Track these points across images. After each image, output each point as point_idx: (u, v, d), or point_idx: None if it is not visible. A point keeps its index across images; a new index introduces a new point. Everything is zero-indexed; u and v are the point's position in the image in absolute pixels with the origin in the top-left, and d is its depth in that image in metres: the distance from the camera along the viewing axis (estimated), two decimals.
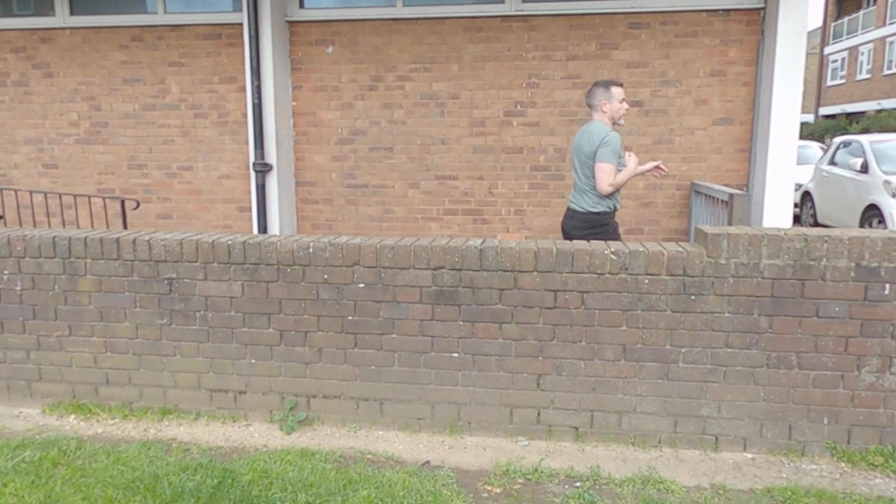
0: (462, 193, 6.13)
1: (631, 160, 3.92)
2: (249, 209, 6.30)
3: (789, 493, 2.65)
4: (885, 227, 8.50)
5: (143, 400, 3.41)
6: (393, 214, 6.26)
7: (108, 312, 3.35)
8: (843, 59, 30.27)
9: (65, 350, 3.42)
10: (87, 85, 6.42)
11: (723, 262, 2.89)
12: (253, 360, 3.29)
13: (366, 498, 2.58)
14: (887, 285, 2.82)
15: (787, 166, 5.42)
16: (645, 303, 2.96)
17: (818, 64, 32.04)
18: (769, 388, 2.95)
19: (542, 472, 2.83)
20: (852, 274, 2.83)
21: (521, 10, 5.78)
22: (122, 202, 5.77)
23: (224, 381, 3.33)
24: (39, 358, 3.45)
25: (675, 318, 2.95)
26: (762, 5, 5.52)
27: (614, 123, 4.01)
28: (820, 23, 32.52)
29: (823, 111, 30.96)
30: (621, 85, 4.00)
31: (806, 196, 11.38)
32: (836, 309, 2.86)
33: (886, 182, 8.74)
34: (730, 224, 4.30)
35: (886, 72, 26.36)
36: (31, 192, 5.95)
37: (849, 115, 27.71)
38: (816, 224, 10.74)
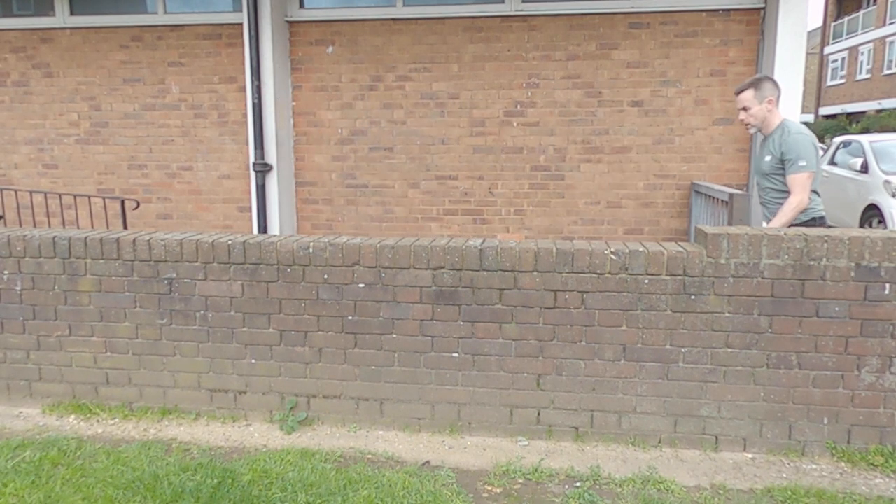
0: (462, 193, 6.13)
1: None
2: (249, 209, 6.30)
3: (789, 493, 2.65)
4: (885, 227, 8.50)
5: (143, 400, 3.41)
6: (393, 214, 6.26)
7: (108, 312, 3.35)
8: (843, 59, 30.28)
9: (65, 350, 3.42)
10: (87, 85, 6.41)
11: (723, 262, 2.89)
12: (253, 360, 3.29)
13: (366, 498, 2.58)
14: (887, 285, 2.82)
15: None
16: (645, 303, 2.96)
17: (818, 64, 32.04)
18: (769, 388, 2.95)
19: (542, 472, 2.83)
20: (852, 274, 2.83)
21: (521, 10, 5.78)
22: (122, 202, 5.77)
23: (224, 381, 3.33)
24: (39, 358, 3.45)
25: (675, 318, 2.95)
26: (762, 5, 5.52)
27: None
28: (820, 23, 32.52)
29: (823, 111, 30.96)
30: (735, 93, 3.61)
31: None
32: (836, 309, 2.86)
33: (886, 182, 8.74)
34: (730, 224, 4.30)
35: (886, 72, 26.37)
36: (31, 192, 5.95)
37: (849, 115, 27.71)
38: None
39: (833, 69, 31.32)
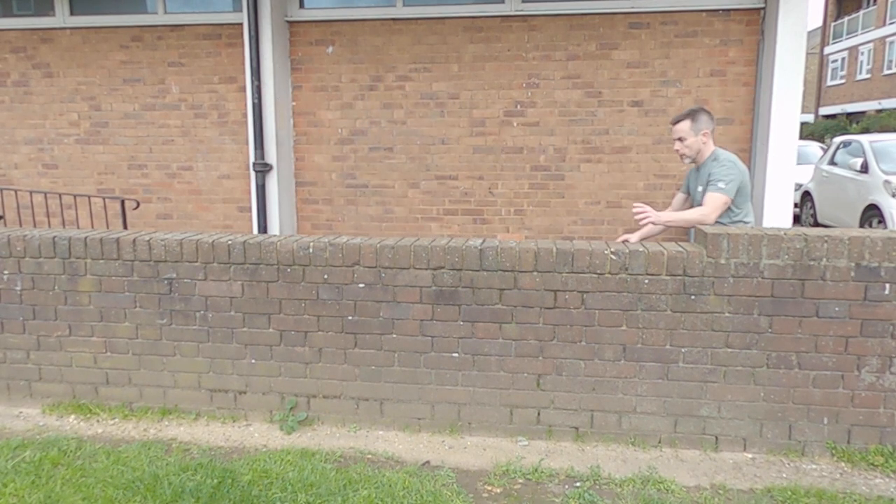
0: (462, 193, 6.12)
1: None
2: (249, 209, 6.29)
3: (789, 493, 2.65)
4: (886, 227, 8.50)
5: (143, 400, 3.41)
6: (393, 214, 6.25)
7: (108, 312, 3.35)
8: (843, 59, 30.27)
9: (65, 350, 3.42)
10: (87, 85, 6.41)
11: (723, 262, 2.89)
12: (253, 360, 3.29)
13: (366, 498, 2.58)
14: (887, 285, 2.82)
15: (787, 166, 5.41)
16: (645, 303, 2.96)
17: (818, 64, 32.04)
18: (769, 388, 2.95)
19: (542, 472, 2.83)
20: (852, 274, 2.83)
21: (521, 10, 5.78)
22: (122, 202, 5.77)
23: (224, 381, 3.33)
24: (39, 358, 3.45)
25: (675, 318, 2.95)
26: (762, 5, 5.52)
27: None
28: (820, 23, 32.52)
29: (823, 111, 30.96)
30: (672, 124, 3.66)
31: (806, 196, 11.38)
32: (836, 309, 2.86)
33: (886, 182, 8.73)
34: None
35: (886, 72, 26.36)
36: (31, 192, 5.95)
37: (849, 115, 27.71)
38: (816, 224, 10.74)
39: (833, 69, 31.31)
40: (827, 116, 30.02)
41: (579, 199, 5.99)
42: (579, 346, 3.03)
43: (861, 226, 9.03)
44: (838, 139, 11.08)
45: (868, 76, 27.78)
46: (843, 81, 30.07)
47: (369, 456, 2.99)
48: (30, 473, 2.77)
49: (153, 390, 3.39)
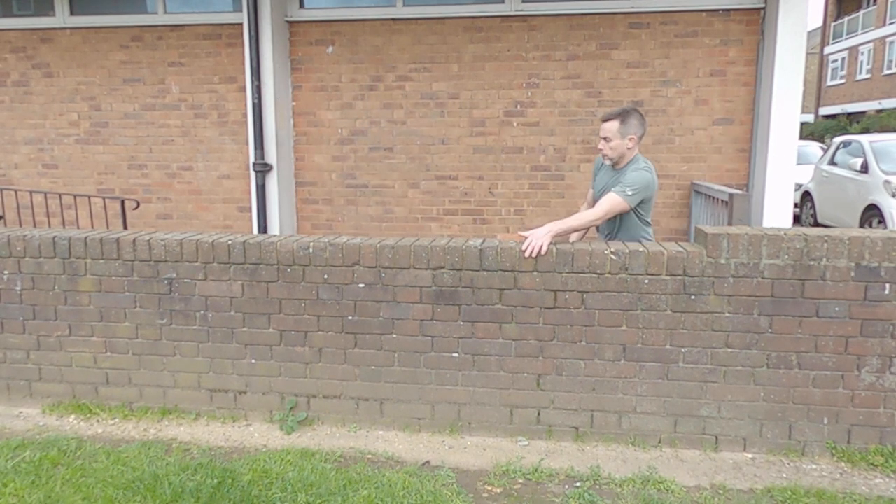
0: (462, 193, 6.13)
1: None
2: (249, 209, 6.30)
3: (789, 492, 2.65)
4: (886, 227, 8.50)
5: (143, 400, 3.41)
6: (393, 214, 6.26)
7: (108, 312, 3.35)
8: (843, 59, 30.26)
9: (65, 350, 3.42)
10: (87, 85, 6.41)
11: (723, 262, 2.89)
12: (253, 360, 3.29)
13: (366, 498, 2.58)
14: (887, 285, 2.82)
15: (787, 166, 5.41)
16: (645, 303, 2.96)
17: (818, 64, 32.03)
18: (769, 388, 2.95)
19: (542, 472, 2.83)
20: (852, 274, 2.83)
21: (521, 10, 5.78)
22: (122, 202, 5.77)
23: (224, 381, 3.33)
24: (39, 358, 3.45)
25: (675, 318, 2.95)
26: (762, 5, 5.52)
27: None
28: (820, 23, 32.50)
29: (823, 111, 30.95)
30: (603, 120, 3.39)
31: (806, 196, 11.38)
32: (836, 309, 2.86)
33: (886, 182, 8.73)
34: (730, 224, 4.30)
35: (886, 72, 26.35)
36: (31, 192, 5.95)
37: (849, 115, 27.70)
38: (816, 224, 10.74)
39: (833, 69, 31.30)
40: (827, 116, 30.02)
41: (579, 199, 5.98)
42: (579, 346, 3.03)
43: (861, 226, 9.03)
44: (838, 139, 11.07)
45: (868, 76, 27.77)
46: (843, 81, 30.06)
47: (369, 456, 2.99)
48: (30, 473, 2.77)
49: (153, 390, 3.39)
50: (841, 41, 30.36)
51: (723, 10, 5.60)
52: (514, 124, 5.97)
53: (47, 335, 3.43)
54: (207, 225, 6.44)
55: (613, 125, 3.26)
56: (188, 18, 6.17)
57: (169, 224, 6.49)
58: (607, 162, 3.39)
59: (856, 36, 28.81)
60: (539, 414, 3.12)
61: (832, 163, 10.63)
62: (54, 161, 6.58)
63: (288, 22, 6.08)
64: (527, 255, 2.98)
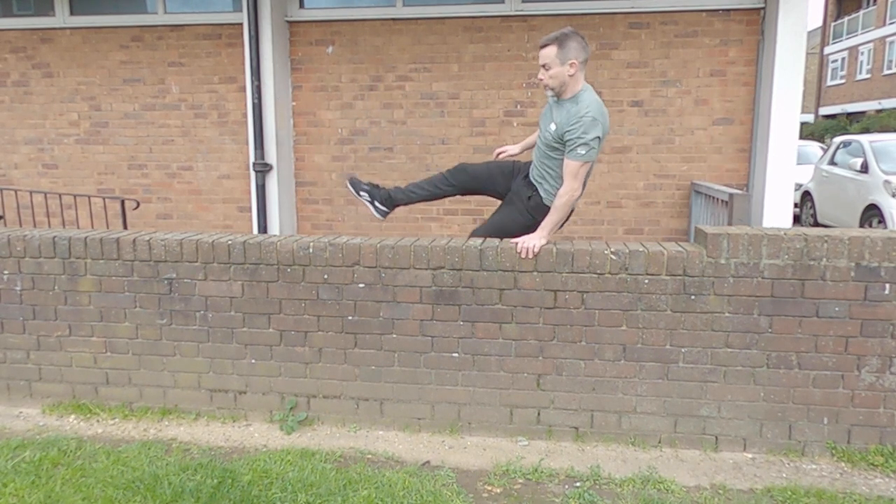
0: None
1: None
2: (249, 209, 6.30)
3: (789, 492, 2.65)
4: (886, 227, 8.50)
5: (143, 400, 3.41)
6: (393, 214, 6.22)
7: (108, 312, 3.35)
8: (843, 59, 30.26)
9: (65, 350, 3.42)
10: (87, 85, 6.41)
11: (723, 262, 2.89)
12: (253, 360, 3.29)
13: (366, 498, 2.58)
14: (887, 285, 2.82)
15: (787, 166, 5.41)
16: (645, 303, 2.96)
17: (818, 64, 32.03)
18: (769, 388, 2.95)
19: (542, 472, 2.83)
20: (852, 274, 2.83)
21: (521, 10, 5.78)
22: (122, 202, 5.77)
23: (224, 381, 3.33)
24: (39, 358, 3.45)
25: (675, 318, 2.95)
26: (762, 5, 5.52)
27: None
28: (820, 23, 32.50)
29: (823, 111, 30.95)
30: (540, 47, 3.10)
31: (806, 196, 11.38)
32: (836, 309, 2.86)
33: (886, 182, 8.73)
34: (730, 224, 4.30)
35: (886, 72, 26.35)
36: (31, 192, 5.95)
37: (849, 115, 27.70)
38: (816, 224, 10.74)
39: (833, 69, 31.30)
40: (827, 116, 30.02)
41: (579, 198, 5.99)
42: (579, 346, 3.03)
43: (861, 226, 9.03)
44: (838, 139, 11.07)
45: (868, 76, 27.77)
46: (843, 81, 30.06)
47: (369, 456, 2.99)
48: (30, 473, 2.77)
49: (153, 390, 3.39)
50: (841, 41, 30.36)
51: (723, 10, 5.60)
52: (514, 124, 5.97)
53: (47, 335, 3.43)
54: (207, 225, 6.44)
55: (551, 51, 3.00)
56: (188, 18, 6.17)
57: (169, 224, 6.49)
58: (549, 93, 3.16)
59: (856, 36, 28.81)
60: (539, 414, 3.12)
61: (832, 163, 10.63)
62: (54, 161, 6.58)
63: (288, 22, 6.08)
64: (522, 255, 3.00)
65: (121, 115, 6.41)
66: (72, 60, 6.39)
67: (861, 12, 28.84)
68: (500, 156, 3.62)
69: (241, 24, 5.98)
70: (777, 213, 5.45)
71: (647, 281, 2.94)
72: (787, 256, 2.85)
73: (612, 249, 2.96)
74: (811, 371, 2.92)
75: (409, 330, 3.14)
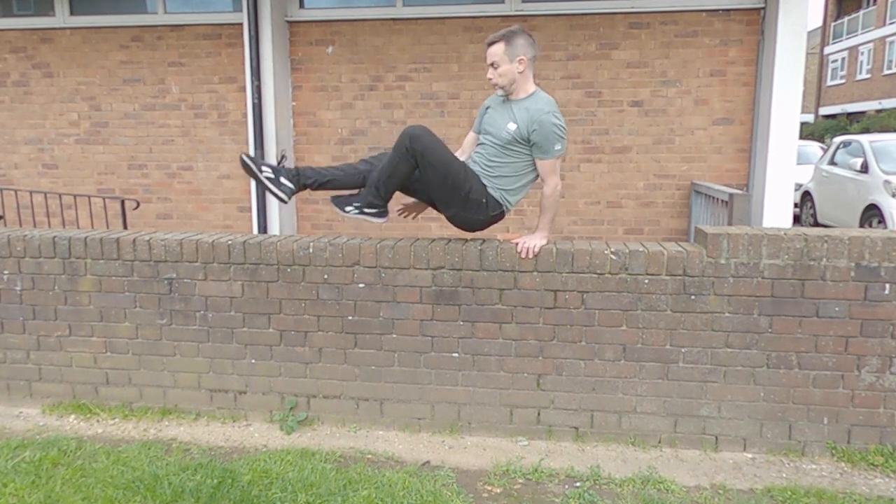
0: None
1: None
2: (249, 209, 6.29)
3: (789, 492, 2.65)
4: (886, 227, 8.50)
5: (143, 400, 3.41)
6: (393, 214, 6.25)
7: (108, 312, 3.35)
8: (843, 59, 30.26)
9: (65, 350, 3.42)
10: (87, 85, 6.41)
11: (723, 262, 2.89)
12: (253, 360, 3.29)
13: (366, 498, 2.58)
14: (887, 285, 2.82)
15: (787, 166, 5.41)
16: (645, 303, 2.96)
17: (818, 64, 32.03)
18: (769, 388, 2.95)
19: (542, 472, 2.83)
20: (852, 274, 2.83)
21: (521, 10, 5.78)
22: (122, 202, 5.77)
23: (224, 381, 3.33)
24: (39, 358, 3.45)
25: (675, 318, 2.95)
26: (762, 5, 5.52)
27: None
28: (820, 23, 32.50)
29: (823, 111, 30.95)
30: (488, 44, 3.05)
31: (806, 196, 11.38)
32: (836, 309, 2.86)
33: (886, 182, 8.73)
34: (730, 224, 4.30)
35: (886, 72, 26.35)
36: (31, 192, 5.95)
37: (849, 115, 27.70)
38: (816, 224, 10.74)
39: (833, 69, 31.30)
40: (827, 116, 30.02)
41: (579, 199, 5.99)
42: (579, 346, 3.03)
43: (861, 226, 9.03)
44: (838, 139, 11.07)
45: (868, 76, 27.77)
46: (843, 81, 30.06)
47: (369, 456, 2.99)
48: (30, 473, 2.77)
49: (153, 390, 3.39)
50: (841, 41, 30.36)
51: (723, 10, 5.60)
52: None
53: (47, 335, 3.43)
54: (207, 225, 6.44)
55: (499, 48, 2.97)
56: (188, 18, 6.17)
57: (169, 224, 6.49)
58: (499, 92, 3.10)
59: (856, 36, 28.81)
60: (539, 414, 3.12)
61: (832, 163, 10.63)
62: (54, 161, 6.58)
63: (288, 22, 6.08)
64: (523, 255, 3.00)
65: (121, 115, 6.41)
66: (72, 60, 6.39)
67: (861, 12, 28.84)
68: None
69: (241, 24, 5.98)
70: (777, 213, 5.45)
71: (647, 281, 2.94)
72: (787, 256, 2.85)
73: (612, 249, 2.96)
74: (811, 371, 2.92)
75: (409, 330, 3.14)
